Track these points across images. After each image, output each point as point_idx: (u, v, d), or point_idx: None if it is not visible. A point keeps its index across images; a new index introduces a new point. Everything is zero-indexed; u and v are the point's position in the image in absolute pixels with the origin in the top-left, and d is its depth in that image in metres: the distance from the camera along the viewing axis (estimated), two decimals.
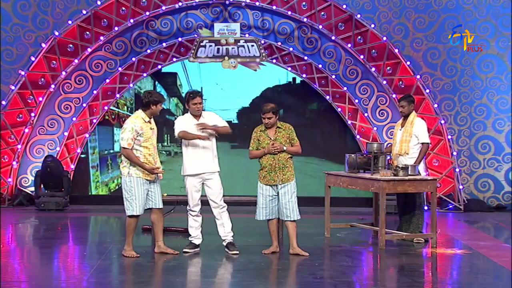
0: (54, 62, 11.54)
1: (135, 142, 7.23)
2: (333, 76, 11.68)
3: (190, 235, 7.76)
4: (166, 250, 7.53)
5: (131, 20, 11.55)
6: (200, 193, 7.71)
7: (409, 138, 8.44)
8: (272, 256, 7.56)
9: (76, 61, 11.54)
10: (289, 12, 11.60)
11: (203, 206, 7.74)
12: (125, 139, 7.21)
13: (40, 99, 11.53)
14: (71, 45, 11.54)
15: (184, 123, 7.62)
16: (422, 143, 8.43)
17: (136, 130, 7.20)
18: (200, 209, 7.73)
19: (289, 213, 7.57)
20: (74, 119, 11.66)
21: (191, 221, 7.74)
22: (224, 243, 7.71)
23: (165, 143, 12.09)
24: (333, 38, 11.61)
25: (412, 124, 8.48)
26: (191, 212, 7.72)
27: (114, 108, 12.02)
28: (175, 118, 12.03)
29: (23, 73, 11.40)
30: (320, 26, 11.57)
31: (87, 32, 11.54)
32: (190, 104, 7.58)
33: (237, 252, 7.59)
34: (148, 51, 11.68)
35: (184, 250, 7.66)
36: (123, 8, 11.58)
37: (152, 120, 7.42)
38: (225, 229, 7.70)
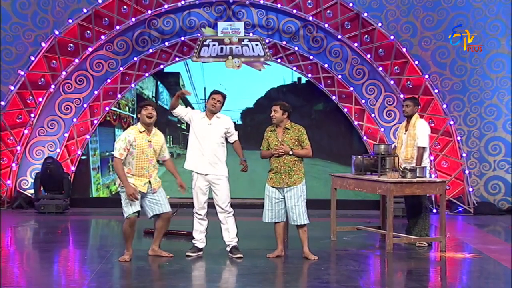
0: (54, 61, 11.56)
1: (129, 153, 7.26)
2: (339, 76, 11.68)
3: (193, 238, 7.77)
4: (161, 253, 7.55)
5: (133, 19, 11.57)
6: (206, 196, 7.72)
7: (413, 142, 8.48)
8: (277, 260, 7.56)
9: (76, 60, 11.57)
10: (294, 11, 11.61)
11: (209, 209, 7.75)
12: (117, 149, 7.28)
13: (40, 99, 11.55)
14: (71, 45, 11.57)
15: (195, 113, 7.77)
16: (418, 147, 8.43)
17: (129, 140, 7.24)
18: (206, 212, 7.74)
19: (295, 217, 7.56)
20: (74, 120, 11.68)
21: (196, 224, 7.76)
22: (228, 248, 7.72)
23: (168, 145, 12.09)
24: (339, 37, 11.61)
25: (414, 126, 8.52)
26: (197, 215, 7.73)
27: (116, 109, 12.03)
28: (178, 119, 12.12)
29: (22, 73, 11.43)
30: (326, 25, 11.57)
31: (88, 31, 11.57)
32: (209, 99, 7.74)
33: (241, 255, 7.59)
34: (150, 50, 11.70)
35: (187, 253, 7.66)
36: (125, 7, 11.60)
37: (153, 132, 7.40)
38: (229, 235, 7.70)
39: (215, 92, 7.76)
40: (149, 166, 7.34)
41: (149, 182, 7.36)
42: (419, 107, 8.95)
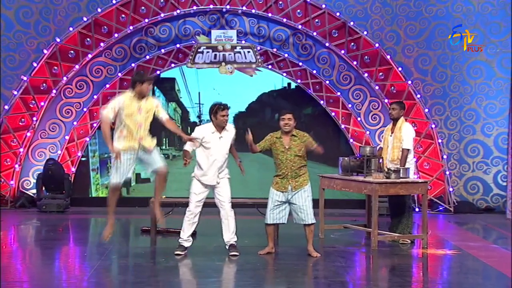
0: (56, 67, 11.53)
1: (118, 116, 7.13)
2: (327, 82, 11.70)
3: (180, 237, 7.63)
4: (155, 210, 7.37)
5: (131, 27, 11.55)
6: (201, 205, 7.62)
7: (399, 144, 8.49)
8: (268, 257, 7.56)
9: (77, 66, 11.54)
10: (284, 20, 11.62)
11: (206, 208, 7.70)
12: (106, 107, 7.19)
13: (42, 103, 11.51)
14: (72, 51, 11.54)
15: (203, 133, 7.55)
16: (403, 149, 8.46)
17: (119, 101, 7.16)
18: (200, 214, 7.62)
19: (304, 216, 7.53)
20: (75, 123, 11.64)
21: (185, 224, 7.59)
22: (227, 246, 7.68)
23: (164, 147, 12.08)
24: (327, 44, 11.63)
25: (400, 129, 8.54)
26: (188, 214, 7.60)
27: None
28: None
29: (25, 78, 11.39)
30: (314, 33, 11.59)
31: (88, 39, 11.54)
32: (218, 115, 7.49)
33: (236, 253, 7.53)
34: (147, 57, 11.68)
35: (176, 252, 7.54)
36: (123, 16, 11.58)
37: (148, 100, 7.21)
38: (229, 233, 7.64)
39: (223, 107, 7.48)
40: (138, 130, 7.14)
41: (139, 144, 7.18)
42: (405, 110, 8.99)
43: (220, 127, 7.55)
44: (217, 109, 7.49)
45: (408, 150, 8.49)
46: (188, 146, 7.57)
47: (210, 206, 7.77)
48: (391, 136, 8.63)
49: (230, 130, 7.66)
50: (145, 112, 7.20)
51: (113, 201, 7.30)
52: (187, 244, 7.64)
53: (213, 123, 7.56)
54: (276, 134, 7.62)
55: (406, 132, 8.50)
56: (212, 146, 7.52)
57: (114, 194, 7.29)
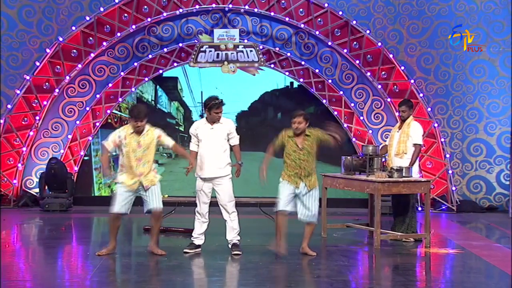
0: (58, 67, 11.54)
1: (120, 151, 7.31)
2: (330, 81, 11.69)
3: (192, 236, 7.72)
4: (154, 250, 7.43)
5: (133, 26, 11.56)
6: (209, 199, 7.63)
7: (406, 139, 8.50)
8: (270, 256, 7.54)
9: (79, 66, 11.55)
10: (287, 19, 11.62)
11: (211, 207, 7.69)
12: (108, 139, 7.36)
13: (45, 103, 11.53)
14: (74, 51, 11.55)
15: (196, 126, 7.67)
16: (414, 144, 8.47)
17: (120, 136, 7.30)
18: (208, 213, 7.64)
19: (311, 215, 7.52)
20: (77, 122, 11.66)
21: (196, 224, 7.67)
22: (229, 245, 7.69)
23: None
24: (329, 43, 11.62)
25: (409, 125, 8.56)
26: (198, 215, 7.66)
27: (117, 112, 12.01)
28: (176, 122, 12.12)
29: (28, 77, 11.40)
30: (317, 32, 11.58)
31: (91, 38, 11.55)
32: (212, 112, 7.52)
33: (238, 252, 7.54)
34: (150, 56, 11.69)
35: (185, 250, 7.62)
36: (125, 15, 11.59)
37: (144, 133, 7.32)
38: (232, 233, 7.65)
39: (217, 105, 7.51)
40: (137, 165, 7.29)
41: (139, 180, 7.32)
42: (413, 108, 9.00)
43: (212, 121, 7.60)
44: (212, 106, 7.52)
45: (420, 145, 8.51)
46: (193, 146, 7.68)
47: (211, 205, 7.77)
48: (398, 132, 8.63)
49: (225, 123, 7.67)
50: (145, 147, 7.31)
51: (113, 228, 7.46)
52: (198, 242, 7.67)
53: (207, 117, 7.63)
54: (289, 132, 7.55)
55: (414, 128, 8.51)
56: (203, 137, 7.58)
57: (112, 222, 7.44)
